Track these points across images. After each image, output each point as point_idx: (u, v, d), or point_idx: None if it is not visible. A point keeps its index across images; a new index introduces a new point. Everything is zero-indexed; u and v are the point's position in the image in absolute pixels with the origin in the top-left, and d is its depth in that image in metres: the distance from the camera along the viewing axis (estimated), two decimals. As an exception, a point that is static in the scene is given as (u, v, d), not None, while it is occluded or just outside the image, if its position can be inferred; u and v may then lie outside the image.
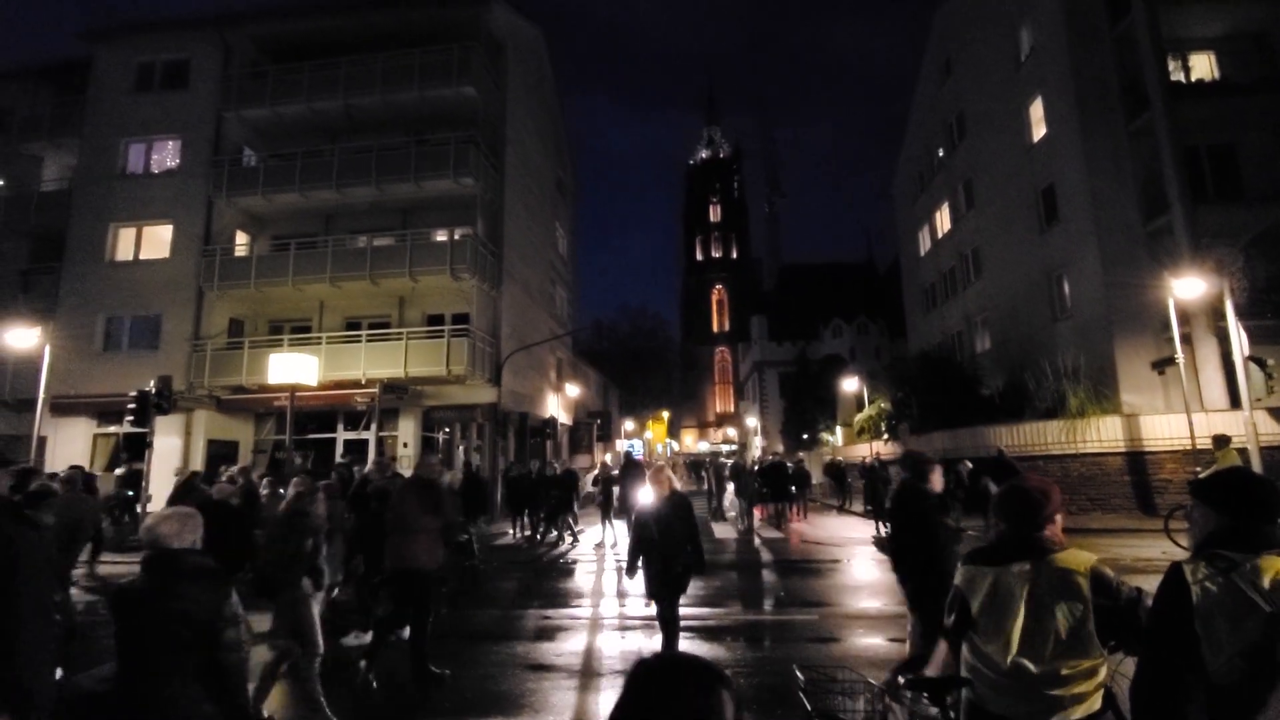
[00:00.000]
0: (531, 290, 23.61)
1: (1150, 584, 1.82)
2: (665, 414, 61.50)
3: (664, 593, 4.79)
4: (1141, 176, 16.36)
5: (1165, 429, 14.43)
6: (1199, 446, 12.41)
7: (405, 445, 18.62)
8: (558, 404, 26.88)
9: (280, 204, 19.44)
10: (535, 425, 23.34)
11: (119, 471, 15.75)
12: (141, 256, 19.20)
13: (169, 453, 17.04)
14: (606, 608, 7.76)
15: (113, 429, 17.94)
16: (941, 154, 26.88)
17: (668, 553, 4.76)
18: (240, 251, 19.58)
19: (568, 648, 6.24)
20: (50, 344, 14.65)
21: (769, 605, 7.80)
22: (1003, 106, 21.19)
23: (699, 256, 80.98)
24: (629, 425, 49.37)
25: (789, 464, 18.22)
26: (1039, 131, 19.32)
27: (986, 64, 22.35)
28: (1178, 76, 16.93)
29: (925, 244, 29.47)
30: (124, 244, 19.37)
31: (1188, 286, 12.00)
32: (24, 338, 14.76)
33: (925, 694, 2.29)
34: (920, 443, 19.18)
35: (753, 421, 59.02)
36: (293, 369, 14.90)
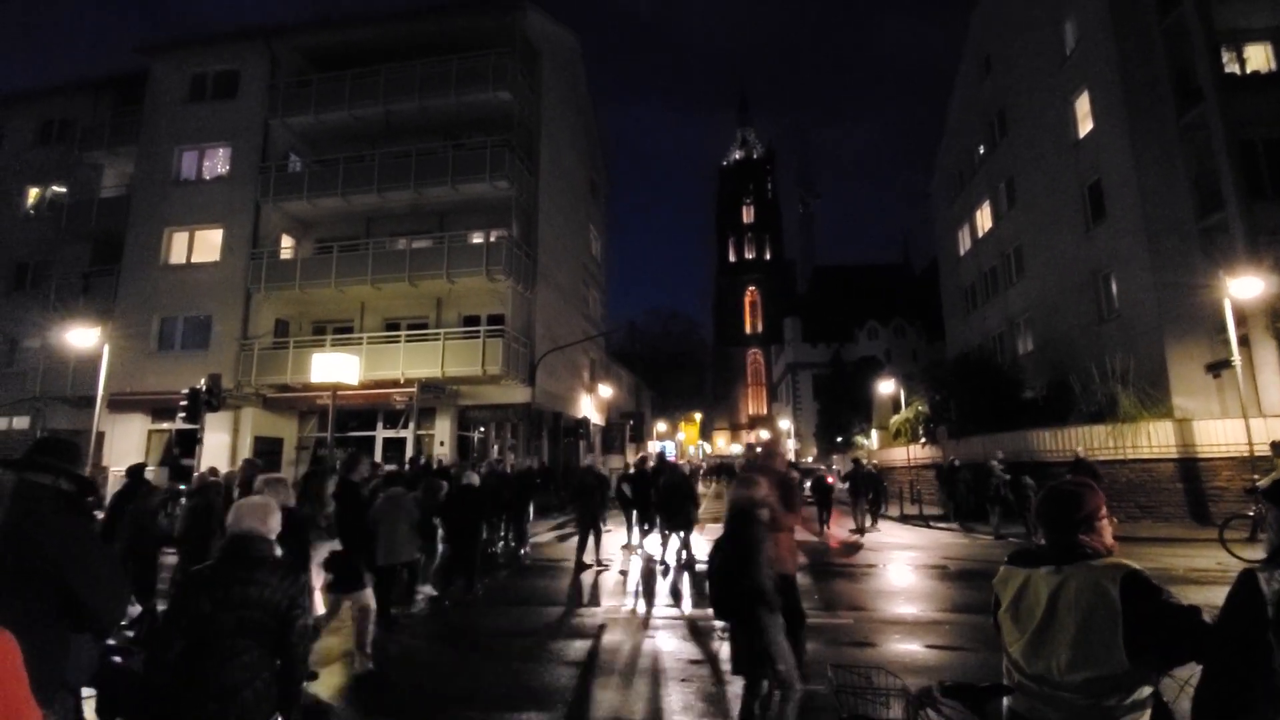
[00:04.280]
0: (565, 291, 23.84)
1: (1203, 596, 1.75)
2: (697, 416, 61.37)
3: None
4: (1193, 172, 15.78)
5: (1221, 434, 13.86)
6: (1257, 453, 11.92)
7: (442, 444, 18.98)
8: (591, 404, 27.07)
9: (323, 208, 20.03)
10: (568, 425, 23.57)
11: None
12: (193, 260, 19.96)
13: (218, 448, 17.69)
14: (638, 608, 7.78)
15: (166, 425, 18.70)
16: (982, 151, 26.31)
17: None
18: (285, 254, 20.23)
19: (598, 645, 6.31)
20: (109, 343, 15.34)
21: (804, 607, 7.72)
22: (1046, 102, 20.66)
23: (732, 258, 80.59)
24: (661, 426, 49.38)
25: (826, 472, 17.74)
26: (1085, 127, 18.78)
27: (1029, 59, 21.82)
28: (1232, 68, 16.27)
29: (965, 244, 28.87)
30: (177, 248, 20.17)
31: (1244, 286, 11.55)
32: (85, 337, 15.46)
33: (963, 702, 2.18)
34: (959, 447, 18.81)
35: (785, 424, 58.49)
36: (335, 368, 15.32)
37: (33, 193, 22.60)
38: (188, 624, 2.43)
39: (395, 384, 17.52)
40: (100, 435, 16.91)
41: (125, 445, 18.23)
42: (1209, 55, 15.17)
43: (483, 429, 20.15)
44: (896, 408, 26.67)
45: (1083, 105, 18.89)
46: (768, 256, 79.62)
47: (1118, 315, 17.56)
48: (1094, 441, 15.03)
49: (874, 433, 31.39)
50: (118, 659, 2.92)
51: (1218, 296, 12.60)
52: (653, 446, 39.73)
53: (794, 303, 67.59)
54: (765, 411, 72.00)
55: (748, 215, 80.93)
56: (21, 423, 19.69)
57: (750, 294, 78.58)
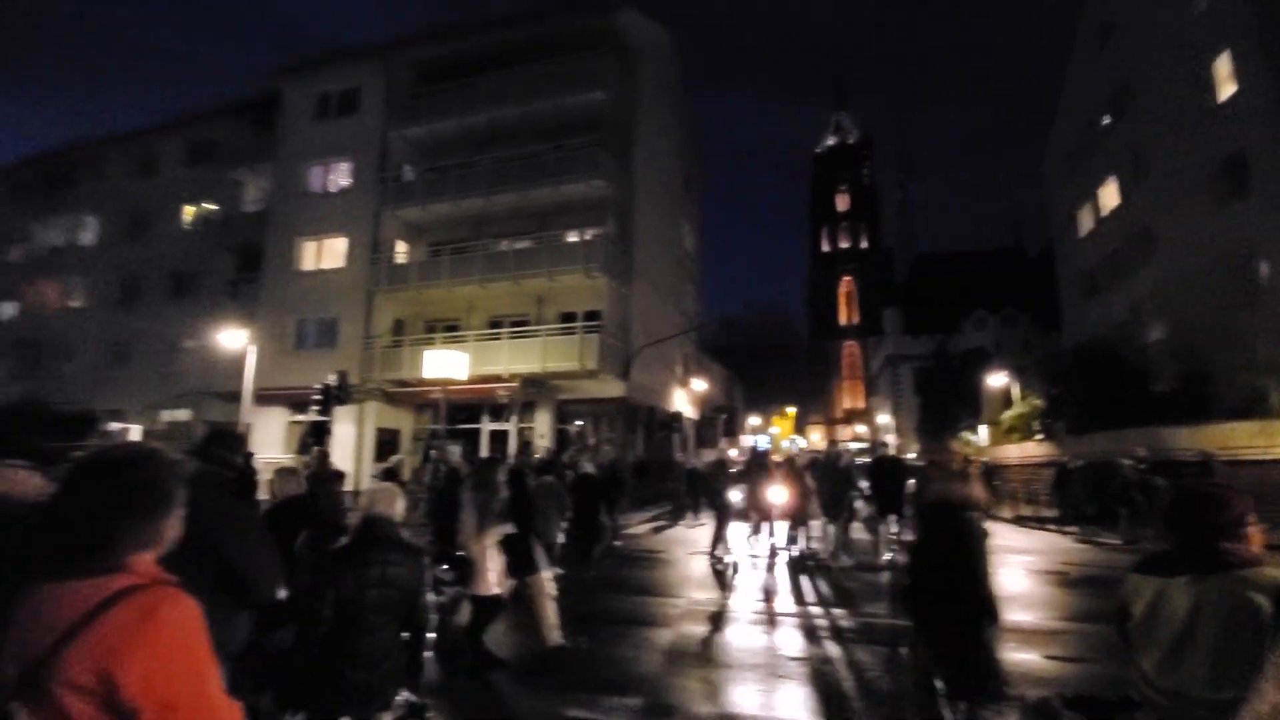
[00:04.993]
0: (659, 287, 24.17)
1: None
2: (791, 410, 60.28)
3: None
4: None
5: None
6: None
7: (542, 436, 19.82)
8: (684, 398, 27.32)
9: (435, 213, 21.34)
10: (662, 419, 23.93)
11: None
12: (322, 266, 21.84)
13: (346, 439, 19.35)
14: (732, 602, 7.80)
15: (300, 417, 20.63)
16: (1104, 124, 24.25)
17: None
18: (401, 259, 21.72)
19: (698, 635, 6.41)
20: (253, 343, 17.14)
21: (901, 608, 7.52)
22: (1178, 66, 18.80)
23: (826, 248, 78.20)
24: (755, 420, 48.95)
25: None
26: (1225, 91, 16.98)
27: (1155, 20, 19.92)
28: None
29: (1084, 225, 26.74)
30: (308, 255, 22.13)
31: None
32: (233, 338, 17.38)
33: (1087, 715, 2.06)
34: (1080, 444, 17.56)
35: (884, 419, 56.38)
36: (445, 364, 16.39)
37: (187, 210, 25.44)
38: (334, 600, 2.64)
39: (499, 379, 18.43)
40: (247, 426, 18.96)
41: (268, 435, 20.24)
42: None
43: (580, 422, 20.85)
44: (1009, 402, 25.19)
45: (1222, 67, 17.07)
46: (864, 245, 76.63)
47: (1267, 299, 15.78)
48: (1239, 439, 13.63)
49: (983, 428, 29.76)
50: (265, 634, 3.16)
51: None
52: (746, 441, 39.51)
53: (893, 292, 64.82)
54: (863, 406, 69.61)
55: (842, 203, 78.20)
56: (183, 415, 22.33)
57: (846, 284, 76.02)
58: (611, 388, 19.52)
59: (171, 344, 23.39)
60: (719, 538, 10.15)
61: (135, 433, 22.06)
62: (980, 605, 3.11)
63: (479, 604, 5.01)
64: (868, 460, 12.08)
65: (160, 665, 1.25)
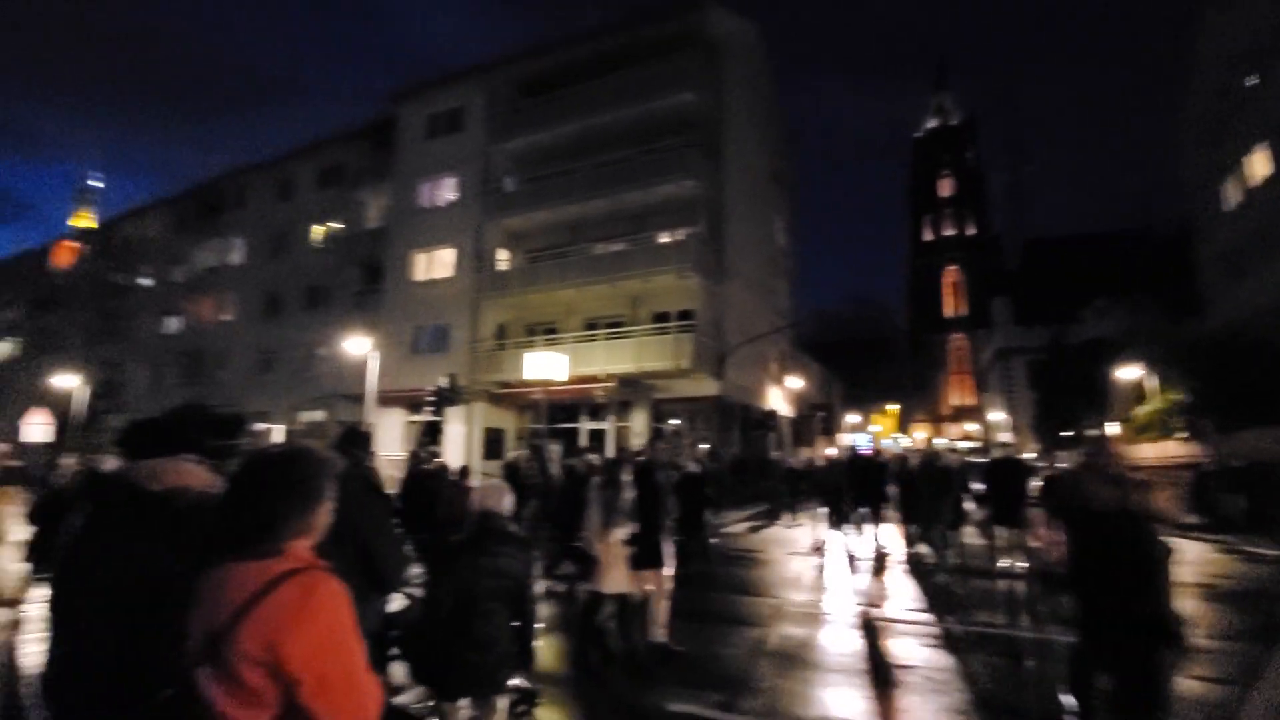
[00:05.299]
0: (751, 284, 24.06)
1: None
2: (894, 407, 57.88)
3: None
4: None
5: None
6: None
7: (638, 436, 20.26)
8: (779, 396, 27.03)
9: (534, 221, 22.36)
10: (757, 417, 23.81)
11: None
12: (433, 276, 23.42)
13: (456, 438, 20.69)
14: (835, 605, 7.63)
15: (416, 417, 22.22)
16: (1249, 84, 21.71)
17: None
18: (502, 266, 22.89)
19: (799, 636, 6.33)
20: (376, 349, 18.72)
21: (1026, 620, 6.85)
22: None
23: (928, 236, 74.34)
24: (855, 419, 47.42)
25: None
26: None
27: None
28: None
29: (1231, 198, 24.04)
30: (420, 267, 23.80)
31: None
32: (359, 345, 19.07)
33: None
34: (1230, 443, 15.89)
35: (996, 416, 52.92)
36: (545, 366, 17.15)
37: (317, 229, 28.03)
38: (453, 587, 2.86)
39: (596, 379, 18.98)
40: (371, 426, 20.72)
41: (390, 434, 21.96)
42: None
43: (676, 421, 21.15)
44: (1141, 397, 23.10)
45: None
46: (969, 232, 72.18)
47: None
48: None
49: (1110, 426, 27.42)
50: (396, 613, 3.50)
51: None
52: (844, 440, 38.44)
53: (1003, 281, 60.56)
54: (973, 402, 65.65)
55: (945, 188, 73.94)
56: (318, 416, 24.66)
57: (950, 274, 71.88)
58: (706, 386, 19.66)
59: (308, 351, 25.82)
60: (833, 537, 9.94)
61: (279, 432, 24.64)
62: (1159, 629, 2.88)
63: (600, 600, 5.11)
64: (983, 460, 11.49)
65: (318, 641, 1.38)
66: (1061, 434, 34.77)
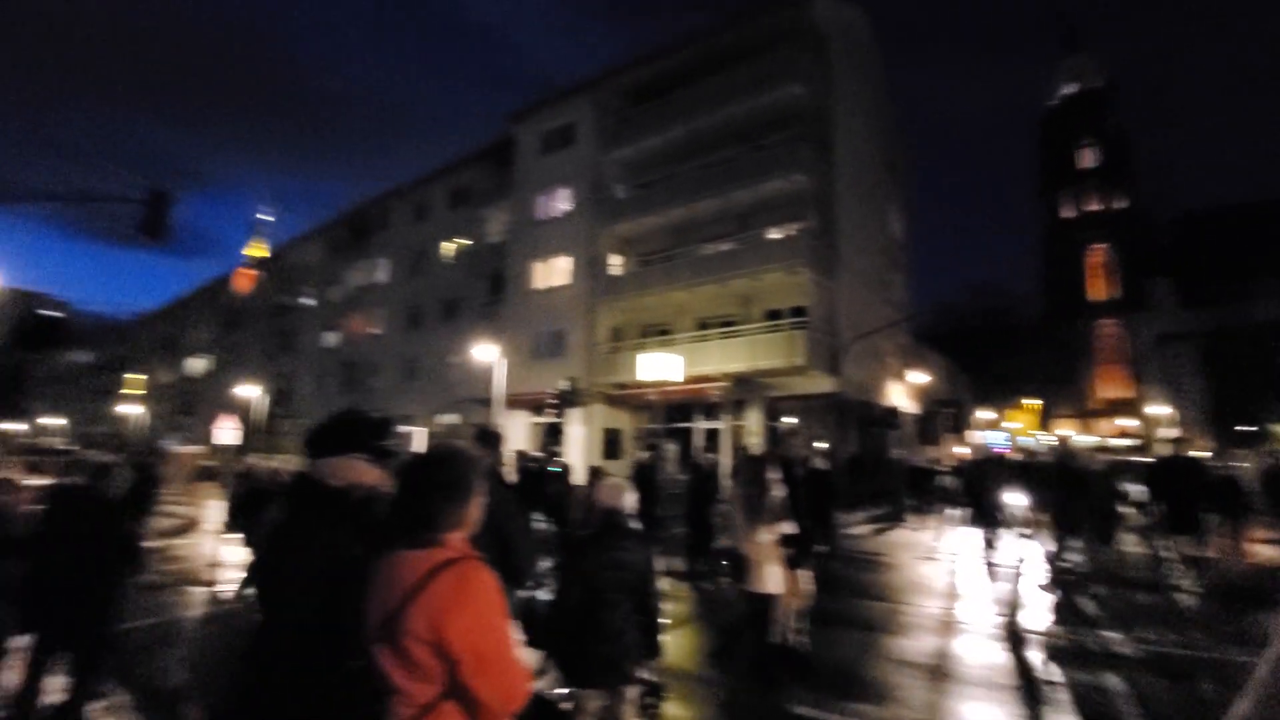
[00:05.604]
0: (866, 277, 23.39)
1: None
2: (1032, 402, 53.40)
3: None
4: None
5: None
6: None
7: (754, 435, 20.36)
8: (900, 392, 26.02)
9: (644, 225, 23.01)
10: (877, 414, 23.08)
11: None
12: (550, 284, 24.75)
13: (576, 438, 21.78)
14: (974, 614, 7.36)
15: (539, 419, 23.63)
16: None
17: None
18: (615, 271, 23.77)
19: (932, 645, 6.19)
20: (502, 355, 20.17)
21: (1200, 637, 6.35)
22: None
23: (1066, 214, 67.68)
24: (988, 415, 44.28)
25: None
26: None
27: None
28: None
29: None
30: (539, 276, 25.21)
31: None
32: (487, 352, 20.65)
33: None
34: None
35: (1158, 409, 47.42)
36: (660, 367, 17.70)
37: (448, 246, 30.47)
38: (580, 579, 3.03)
39: (709, 379, 19.20)
40: (499, 427, 22.25)
41: (516, 435, 23.48)
42: None
43: (792, 419, 21.01)
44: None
45: None
46: (1116, 207, 64.89)
47: None
48: None
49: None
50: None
51: None
52: (975, 437, 36.15)
53: (1159, 259, 54.22)
54: (1129, 394, 59.08)
55: (1087, 159, 66.67)
56: (454, 419, 26.86)
57: (1094, 254, 64.81)
58: (821, 384, 19.35)
59: (445, 359, 28.17)
60: (989, 545, 9.37)
61: (421, 435, 27.10)
62: None
63: (751, 601, 4.98)
64: (1146, 460, 10.36)
65: (475, 623, 1.50)
66: (1238, 429, 30.70)
